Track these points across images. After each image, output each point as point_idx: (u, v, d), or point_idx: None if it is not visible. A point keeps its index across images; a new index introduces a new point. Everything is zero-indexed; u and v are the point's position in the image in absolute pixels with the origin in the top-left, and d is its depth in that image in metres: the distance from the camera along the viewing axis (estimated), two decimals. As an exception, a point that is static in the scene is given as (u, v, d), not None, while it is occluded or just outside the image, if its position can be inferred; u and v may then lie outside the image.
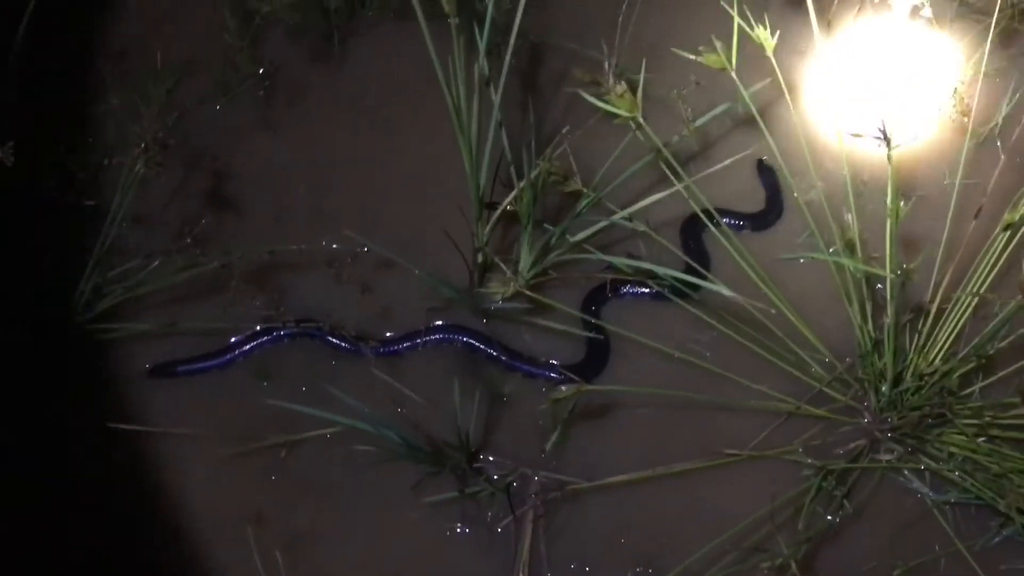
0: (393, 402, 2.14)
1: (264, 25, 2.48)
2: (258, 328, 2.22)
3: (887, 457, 2.02)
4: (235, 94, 2.54)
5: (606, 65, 2.02)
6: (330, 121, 2.56)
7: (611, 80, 1.98)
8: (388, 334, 2.24)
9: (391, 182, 2.46)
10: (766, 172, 2.45)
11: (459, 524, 2.04)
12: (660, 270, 1.92)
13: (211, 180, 2.45)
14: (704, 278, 2.19)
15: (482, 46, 1.81)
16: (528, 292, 1.86)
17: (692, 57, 1.62)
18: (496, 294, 1.87)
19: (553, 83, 2.53)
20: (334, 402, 2.13)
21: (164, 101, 2.49)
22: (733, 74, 1.67)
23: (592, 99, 1.68)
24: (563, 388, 1.70)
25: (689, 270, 2.21)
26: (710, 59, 1.59)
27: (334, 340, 2.20)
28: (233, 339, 2.23)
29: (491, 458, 2.09)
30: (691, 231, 2.36)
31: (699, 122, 2.00)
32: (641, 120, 1.69)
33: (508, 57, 1.73)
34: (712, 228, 2.11)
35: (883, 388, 2.04)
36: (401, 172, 2.48)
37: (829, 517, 1.98)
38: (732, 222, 2.36)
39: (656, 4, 2.54)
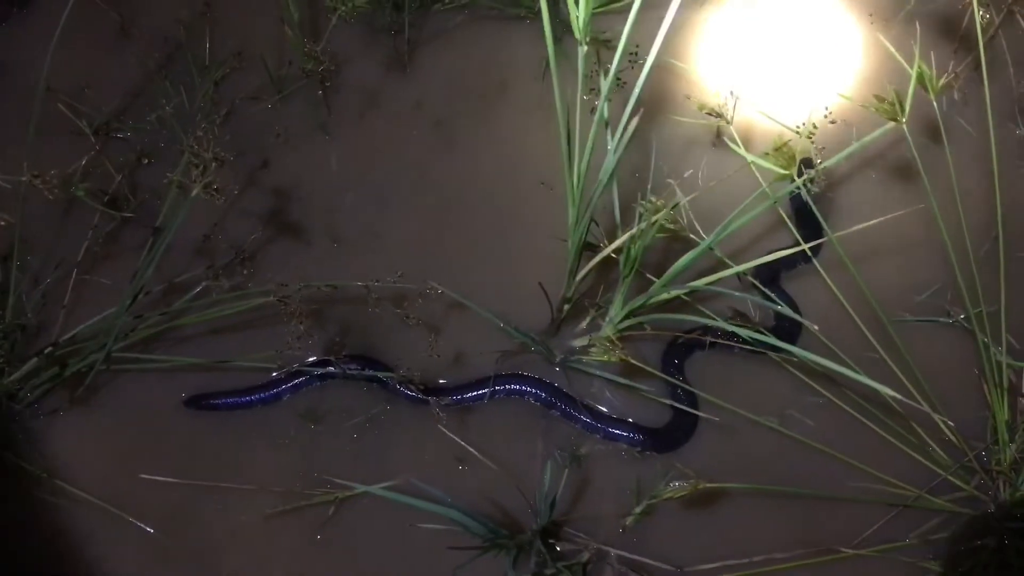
0: (455, 458, 1.91)
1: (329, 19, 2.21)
2: (302, 365, 1.97)
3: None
4: (290, 93, 2.29)
5: (728, 93, 1.74)
6: (394, 130, 2.29)
7: (732, 111, 1.75)
8: (442, 382, 2.00)
9: (461, 207, 2.20)
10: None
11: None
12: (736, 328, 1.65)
13: (259, 192, 2.19)
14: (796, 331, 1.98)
15: (607, 84, 1.51)
16: (631, 360, 1.60)
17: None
18: (594, 357, 1.60)
19: (659, 106, 2.25)
20: (388, 452, 1.93)
21: (211, 94, 2.26)
22: (904, 126, 1.40)
23: (750, 156, 1.39)
24: (675, 484, 1.45)
25: (780, 321, 1.99)
26: (882, 109, 1.32)
27: (397, 387, 1.95)
28: (275, 374, 1.99)
29: (564, 528, 1.85)
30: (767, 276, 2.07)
31: (825, 164, 1.73)
32: (796, 176, 1.41)
33: (637, 91, 1.44)
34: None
35: (1019, 480, 1.78)
36: (473, 196, 2.21)
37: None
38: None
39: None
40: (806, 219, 2.03)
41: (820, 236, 1.87)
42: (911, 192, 2.13)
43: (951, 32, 2.28)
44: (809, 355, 1.51)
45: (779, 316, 2.02)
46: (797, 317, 1.85)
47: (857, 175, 2.19)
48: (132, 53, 2.35)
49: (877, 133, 1.50)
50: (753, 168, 1.61)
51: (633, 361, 1.60)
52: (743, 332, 1.63)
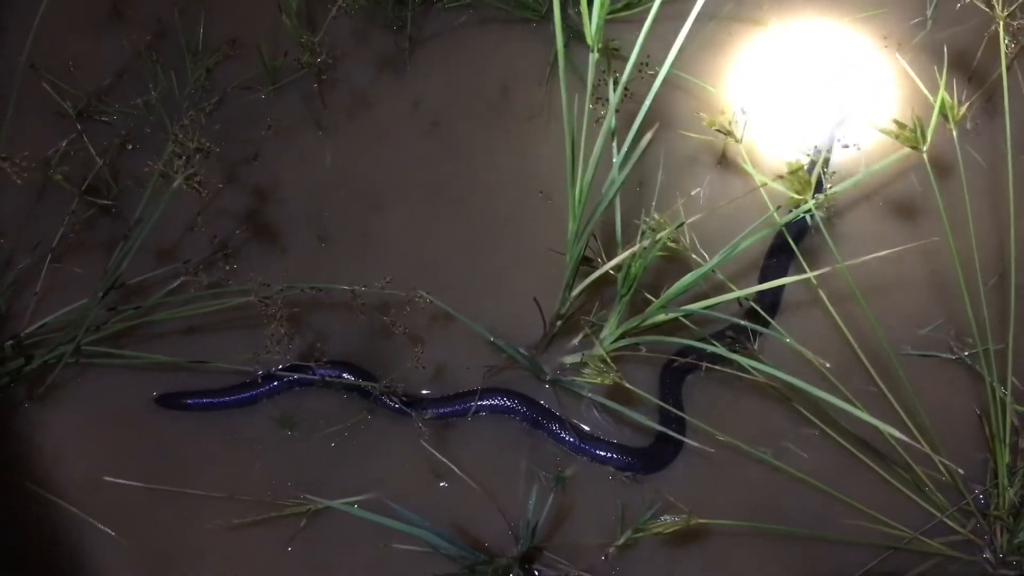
0: (434, 473, 1.83)
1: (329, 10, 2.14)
2: (283, 367, 1.89)
3: (1014, 615, 1.71)
4: (285, 84, 2.21)
5: (739, 111, 1.67)
6: (390, 129, 2.21)
7: (742, 130, 1.68)
8: (425, 392, 1.93)
9: (455, 213, 2.13)
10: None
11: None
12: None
13: (247, 186, 2.11)
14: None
15: (616, 94, 1.44)
16: (624, 383, 1.52)
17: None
18: (586, 378, 1.53)
19: (665, 120, 2.16)
20: (366, 464, 1.86)
21: (203, 81, 2.18)
22: (924, 155, 1.33)
23: (761, 176, 1.32)
24: (666, 518, 1.37)
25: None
26: (903, 137, 1.26)
27: (379, 398, 1.87)
28: (260, 374, 1.91)
29: (544, 554, 1.78)
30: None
31: (832, 190, 1.66)
32: (812, 205, 1.34)
33: (648, 102, 1.37)
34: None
35: (1018, 526, 1.72)
36: (468, 202, 2.14)
37: None
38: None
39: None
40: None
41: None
42: (912, 225, 2.07)
43: (965, 62, 2.22)
44: (806, 385, 1.44)
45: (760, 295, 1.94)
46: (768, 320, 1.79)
47: (859, 205, 2.12)
48: (123, 35, 2.26)
49: (892, 158, 1.44)
50: (761, 191, 1.54)
51: (627, 385, 1.52)
52: (742, 360, 1.56)
